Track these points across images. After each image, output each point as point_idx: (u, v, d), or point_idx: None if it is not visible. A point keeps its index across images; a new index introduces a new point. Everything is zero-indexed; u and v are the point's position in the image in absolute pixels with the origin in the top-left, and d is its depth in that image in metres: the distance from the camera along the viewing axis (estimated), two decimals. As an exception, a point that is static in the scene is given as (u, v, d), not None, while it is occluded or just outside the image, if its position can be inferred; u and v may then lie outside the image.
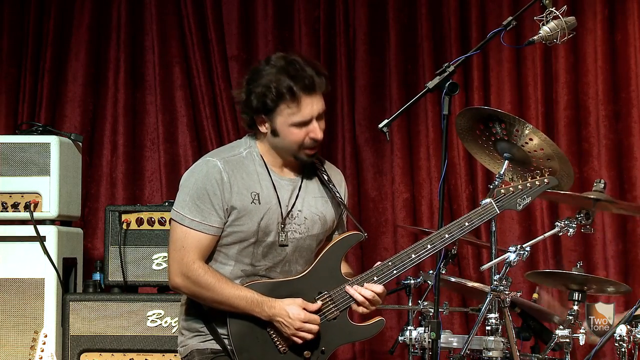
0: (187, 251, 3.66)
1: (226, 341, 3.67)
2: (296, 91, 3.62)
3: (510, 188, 3.72)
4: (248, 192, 3.69)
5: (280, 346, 3.65)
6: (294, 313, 3.60)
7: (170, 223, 3.75)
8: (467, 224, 3.67)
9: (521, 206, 3.72)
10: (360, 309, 3.66)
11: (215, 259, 3.72)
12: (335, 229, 3.89)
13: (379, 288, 3.64)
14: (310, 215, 3.76)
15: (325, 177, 3.82)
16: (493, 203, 3.71)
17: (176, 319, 5.14)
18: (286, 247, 3.72)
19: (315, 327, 3.62)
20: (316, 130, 3.67)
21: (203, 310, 3.72)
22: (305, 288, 3.67)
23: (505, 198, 3.73)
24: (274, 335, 3.65)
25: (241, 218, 3.68)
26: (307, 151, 3.71)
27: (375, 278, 3.66)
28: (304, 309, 3.63)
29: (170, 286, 3.74)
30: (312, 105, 3.66)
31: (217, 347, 3.70)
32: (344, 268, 3.80)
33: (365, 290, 3.64)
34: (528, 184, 3.72)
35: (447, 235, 3.64)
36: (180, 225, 3.68)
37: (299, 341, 3.63)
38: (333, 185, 3.83)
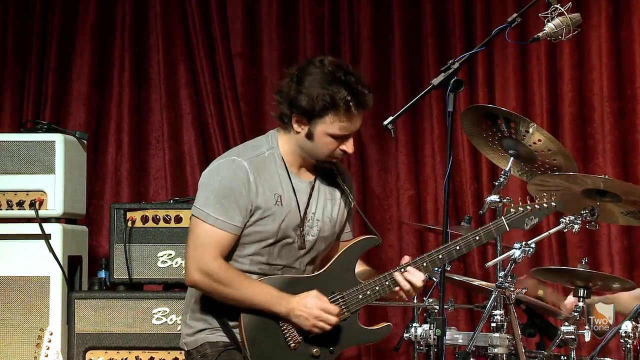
0: (207, 248, 3.63)
1: (237, 334, 3.66)
2: (352, 106, 3.62)
3: (520, 208, 3.78)
4: (272, 194, 3.68)
5: (291, 342, 3.65)
6: (311, 303, 3.61)
7: (190, 220, 3.72)
8: (477, 238, 3.71)
9: (528, 226, 3.79)
10: (402, 294, 3.67)
11: (231, 257, 3.70)
12: (341, 232, 3.88)
13: (422, 276, 3.66)
14: (322, 218, 3.77)
15: (340, 180, 3.83)
16: (504, 220, 3.75)
17: (182, 316, 5.14)
18: (303, 250, 3.73)
19: (333, 318, 3.62)
20: (349, 145, 3.69)
21: (213, 304, 3.71)
22: (319, 287, 3.67)
23: (514, 217, 3.77)
24: (285, 332, 3.65)
25: (265, 218, 3.67)
26: (333, 160, 3.74)
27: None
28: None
29: (187, 283, 3.71)
30: (358, 122, 3.69)
31: (227, 340, 3.69)
32: (361, 267, 3.81)
33: (412, 277, 3.65)
34: (537, 205, 3.79)
35: (458, 248, 3.68)
36: (204, 222, 3.64)
37: (318, 331, 3.62)
38: (346, 187, 3.83)
